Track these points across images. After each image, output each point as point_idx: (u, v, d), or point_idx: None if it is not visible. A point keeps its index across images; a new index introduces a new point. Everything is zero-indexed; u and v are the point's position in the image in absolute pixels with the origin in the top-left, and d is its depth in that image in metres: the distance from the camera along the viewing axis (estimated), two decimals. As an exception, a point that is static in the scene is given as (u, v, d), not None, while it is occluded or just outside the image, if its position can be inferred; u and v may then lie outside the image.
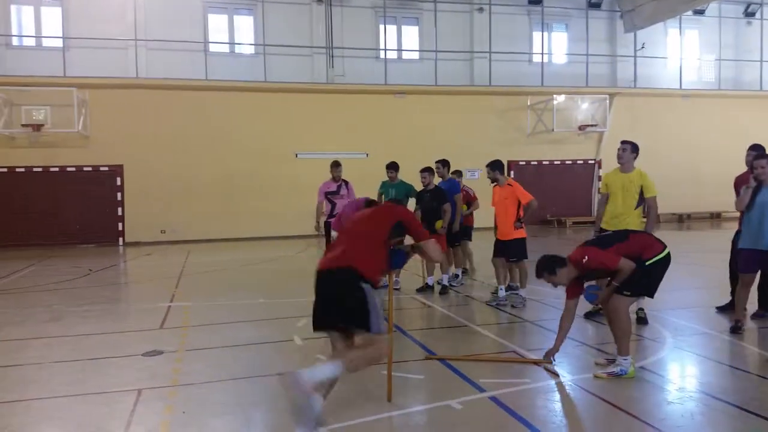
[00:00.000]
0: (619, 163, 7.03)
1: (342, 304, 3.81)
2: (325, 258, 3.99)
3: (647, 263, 4.91)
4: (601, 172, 21.23)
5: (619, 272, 4.90)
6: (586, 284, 5.16)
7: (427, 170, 9.12)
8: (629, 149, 6.93)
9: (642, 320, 6.79)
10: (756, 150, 7.02)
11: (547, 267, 5.05)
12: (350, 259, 3.84)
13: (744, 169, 7.13)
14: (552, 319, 7.25)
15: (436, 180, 9.30)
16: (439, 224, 8.74)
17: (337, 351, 4.00)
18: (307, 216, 18.84)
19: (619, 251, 4.94)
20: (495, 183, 8.12)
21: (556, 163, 21.57)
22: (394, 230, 4.14)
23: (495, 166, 8.05)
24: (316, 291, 3.91)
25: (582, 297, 5.19)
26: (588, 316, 7.19)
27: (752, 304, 7.00)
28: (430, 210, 8.83)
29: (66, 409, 4.58)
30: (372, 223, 4.17)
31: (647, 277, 4.95)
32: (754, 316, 6.98)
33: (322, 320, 3.93)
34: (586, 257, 4.97)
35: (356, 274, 3.78)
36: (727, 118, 21.87)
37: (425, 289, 9.07)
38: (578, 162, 21.79)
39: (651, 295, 5.13)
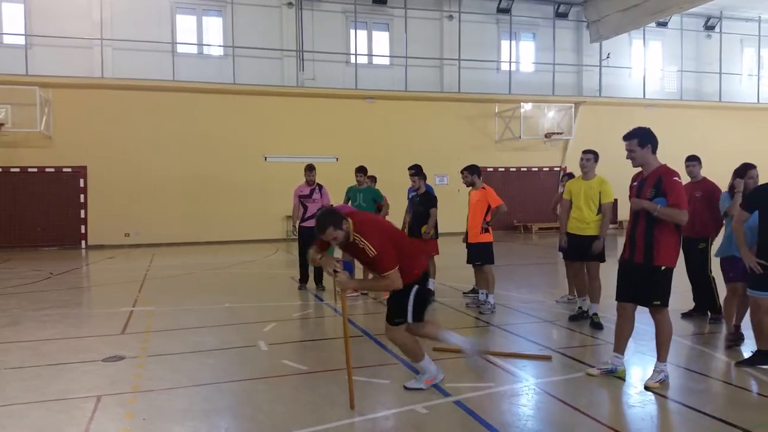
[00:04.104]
0: (582, 171, 7.30)
1: None
2: (421, 261, 4.93)
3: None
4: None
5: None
6: None
7: (417, 174, 9.04)
8: (593, 158, 7.23)
9: (597, 325, 6.94)
10: (692, 160, 7.32)
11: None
12: None
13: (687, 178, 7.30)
14: (518, 323, 7.35)
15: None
16: (423, 229, 8.78)
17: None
18: (276, 220, 18.85)
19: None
20: (471, 187, 8.19)
21: (522, 170, 21.86)
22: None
23: (473, 170, 8.17)
24: None
25: None
26: (573, 319, 7.37)
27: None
28: (419, 215, 8.87)
29: (22, 416, 4.43)
30: None
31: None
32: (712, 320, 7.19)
33: None
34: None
35: None
36: (688, 128, 22.46)
37: None
38: (544, 169, 22.12)
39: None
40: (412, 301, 4.69)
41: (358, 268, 8.94)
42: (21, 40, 17.53)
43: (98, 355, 5.95)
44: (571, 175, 8.38)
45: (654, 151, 4.99)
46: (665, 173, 4.92)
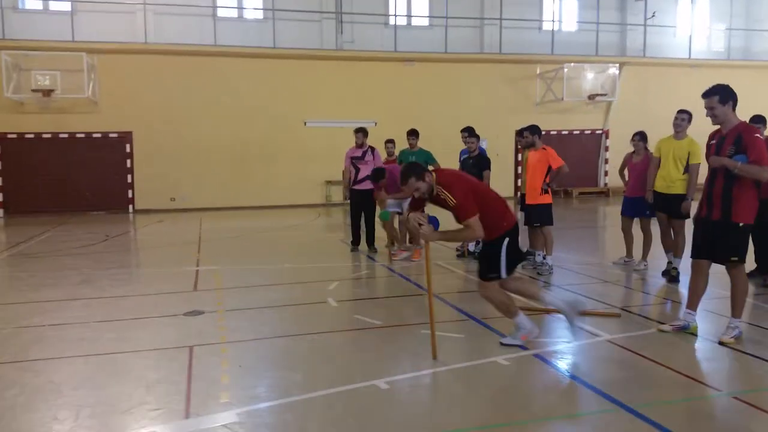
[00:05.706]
0: (675, 131, 7.40)
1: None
2: (509, 213, 4.89)
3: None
4: (608, 143, 21.29)
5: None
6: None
7: (472, 136, 9.03)
8: (687, 119, 7.32)
9: (674, 279, 7.19)
10: (758, 122, 7.20)
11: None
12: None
13: None
14: (579, 284, 7.42)
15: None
16: None
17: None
18: (315, 185, 19.04)
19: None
20: (530, 148, 8.17)
21: (564, 133, 21.56)
22: None
23: (534, 130, 8.13)
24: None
25: None
26: (665, 274, 7.50)
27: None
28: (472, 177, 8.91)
29: (126, 363, 4.70)
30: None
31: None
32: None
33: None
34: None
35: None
36: (736, 88, 21.39)
37: (464, 255, 9.21)
38: (586, 132, 21.80)
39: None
40: (504, 254, 4.77)
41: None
42: (66, 6, 17.74)
43: (178, 310, 6.21)
44: (642, 134, 8.28)
45: (734, 108, 4.96)
46: (745, 130, 4.89)
